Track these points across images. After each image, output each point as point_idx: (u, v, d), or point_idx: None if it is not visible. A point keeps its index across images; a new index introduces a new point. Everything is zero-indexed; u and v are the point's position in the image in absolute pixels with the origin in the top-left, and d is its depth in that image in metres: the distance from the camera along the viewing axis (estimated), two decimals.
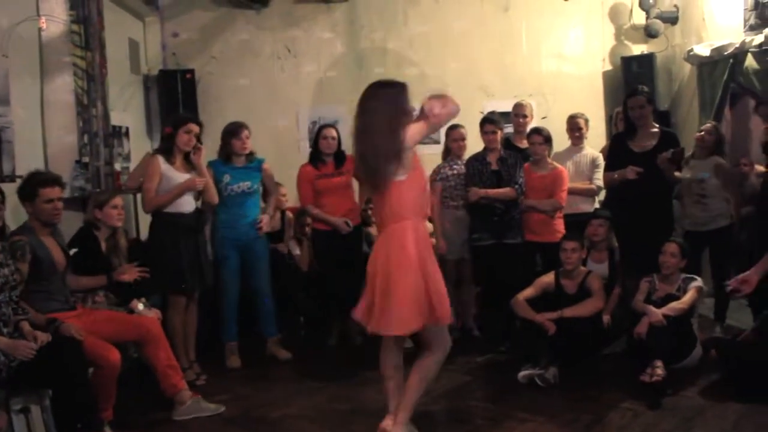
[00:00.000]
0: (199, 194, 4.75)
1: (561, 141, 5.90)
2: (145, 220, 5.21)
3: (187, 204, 4.65)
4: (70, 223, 4.47)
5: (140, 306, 4.22)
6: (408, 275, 3.26)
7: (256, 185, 5.06)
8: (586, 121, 5.77)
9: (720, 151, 5.20)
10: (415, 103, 3.41)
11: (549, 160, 5.45)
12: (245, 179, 4.99)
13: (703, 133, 5.22)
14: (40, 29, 4.75)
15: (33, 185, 3.77)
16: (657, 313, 4.38)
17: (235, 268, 5.03)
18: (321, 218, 5.34)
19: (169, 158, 4.63)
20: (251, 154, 5.07)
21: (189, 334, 4.79)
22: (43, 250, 3.75)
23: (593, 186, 5.58)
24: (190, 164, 4.72)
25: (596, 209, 5.47)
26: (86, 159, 4.98)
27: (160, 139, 4.96)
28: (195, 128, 4.68)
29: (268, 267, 5.22)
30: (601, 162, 5.48)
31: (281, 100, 7.14)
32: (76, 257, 4.15)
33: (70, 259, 4.03)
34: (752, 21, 5.77)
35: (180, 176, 4.62)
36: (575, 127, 5.71)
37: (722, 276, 5.14)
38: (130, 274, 4.22)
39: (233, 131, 4.97)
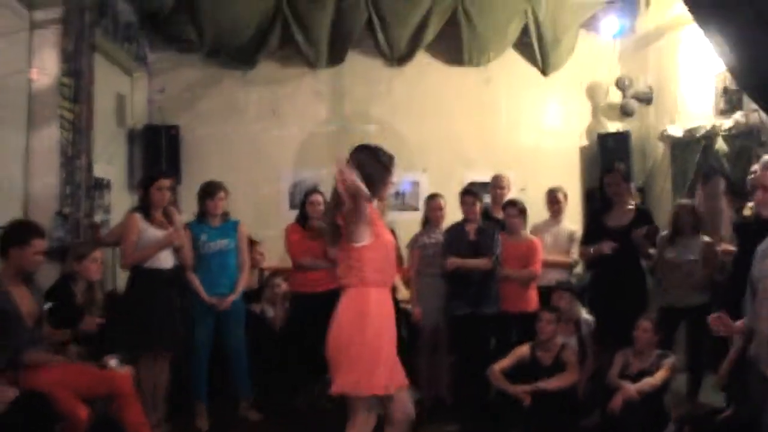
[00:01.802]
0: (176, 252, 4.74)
1: (538, 213, 6.01)
2: (122, 274, 5.16)
3: (167, 260, 4.65)
4: (48, 274, 4.42)
5: (113, 362, 4.15)
6: (367, 342, 3.27)
7: (233, 244, 5.06)
8: (565, 195, 5.89)
9: (699, 230, 5.29)
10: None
11: (523, 232, 5.55)
12: (222, 237, 5.00)
13: (681, 215, 5.26)
14: (30, 80, 4.80)
15: (26, 234, 3.76)
16: (630, 390, 4.40)
17: (209, 329, 4.98)
18: (315, 265, 5.30)
19: (148, 216, 4.65)
20: (226, 214, 5.08)
21: (158, 391, 4.72)
22: (9, 303, 3.67)
23: (570, 259, 5.68)
24: (169, 219, 4.73)
25: (558, 281, 5.51)
26: (67, 210, 4.96)
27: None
28: (165, 183, 4.71)
29: (244, 328, 5.18)
30: (579, 236, 5.58)
31: (264, 160, 7.21)
32: (51, 311, 4.09)
33: (45, 313, 3.97)
34: (722, 106, 6.01)
35: (158, 233, 4.63)
36: (554, 201, 5.83)
37: (697, 352, 5.21)
38: (89, 324, 4.14)
39: (209, 192, 5.00)
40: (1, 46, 4.52)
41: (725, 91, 5.96)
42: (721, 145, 5.92)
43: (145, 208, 4.67)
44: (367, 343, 3.26)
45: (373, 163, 3.34)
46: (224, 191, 5.04)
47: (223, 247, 5.00)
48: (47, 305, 4.06)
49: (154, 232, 4.61)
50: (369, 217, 3.29)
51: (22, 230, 3.79)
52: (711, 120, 6.05)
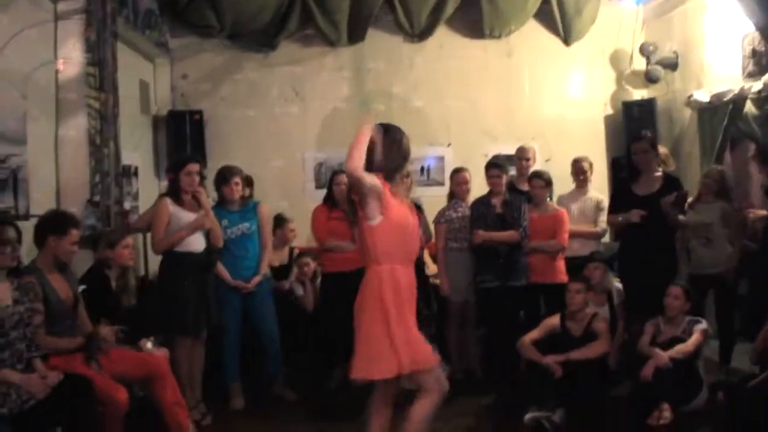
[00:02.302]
0: (207, 235, 4.79)
1: (563, 184, 5.99)
2: (153, 259, 5.25)
3: (198, 243, 4.70)
4: (81, 261, 4.51)
5: (149, 344, 4.24)
6: (375, 322, 3.25)
7: (255, 226, 5.11)
8: (591, 164, 5.86)
9: (726, 197, 5.26)
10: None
11: (549, 202, 5.53)
12: (243, 221, 5.05)
13: (708, 179, 5.30)
14: (57, 71, 4.87)
15: (66, 223, 3.84)
16: (663, 356, 4.40)
17: (236, 311, 5.04)
18: (339, 247, 5.32)
19: (177, 200, 4.70)
20: (244, 197, 5.12)
21: (195, 373, 4.79)
22: (51, 292, 3.78)
23: (598, 229, 5.66)
24: (198, 203, 4.78)
25: (593, 252, 5.51)
26: (97, 198, 5.04)
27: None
28: (194, 167, 4.73)
29: (273, 307, 5.24)
30: (606, 205, 5.56)
31: (288, 141, 7.23)
32: (85, 295, 4.17)
33: (80, 296, 4.06)
34: (750, 68, 5.90)
35: (189, 216, 4.67)
36: (580, 171, 5.80)
37: (728, 319, 5.18)
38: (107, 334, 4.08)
39: (224, 177, 5.02)
40: (28, 39, 4.59)
41: (753, 53, 5.85)
42: (750, 108, 5.83)
43: (174, 192, 4.72)
44: (379, 324, 3.24)
45: (390, 143, 3.35)
46: (239, 175, 5.06)
47: (245, 230, 5.05)
48: (81, 288, 4.15)
49: (184, 216, 4.66)
50: (381, 194, 3.26)
51: (61, 220, 3.87)
52: (739, 83, 5.95)
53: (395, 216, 3.33)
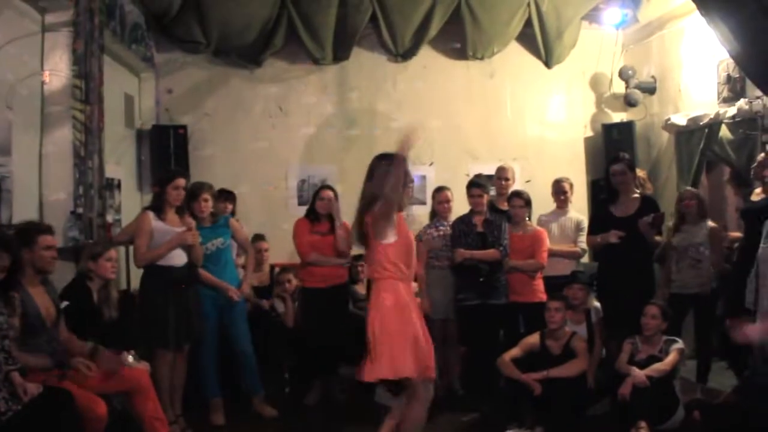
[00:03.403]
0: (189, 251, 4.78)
1: (544, 204, 6.07)
2: (135, 273, 5.23)
3: (180, 257, 4.69)
4: (62, 273, 4.48)
5: (130, 358, 4.21)
6: (395, 326, 3.61)
7: (228, 241, 5.11)
8: (571, 185, 5.94)
9: (705, 216, 5.37)
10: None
11: (528, 222, 5.60)
12: (216, 236, 5.04)
13: (685, 200, 5.38)
14: (43, 83, 4.87)
15: (32, 232, 3.80)
16: (640, 374, 4.46)
17: (213, 326, 5.02)
18: (322, 261, 5.33)
19: (161, 214, 4.68)
20: (214, 214, 5.11)
21: (176, 387, 4.76)
22: (31, 305, 3.73)
23: (578, 249, 5.73)
24: (182, 218, 4.78)
25: (574, 272, 5.58)
26: (80, 210, 5.03)
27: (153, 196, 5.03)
28: (182, 182, 4.74)
29: (247, 325, 5.23)
30: (585, 225, 5.64)
31: (271, 157, 7.26)
32: (67, 309, 4.15)
33: (61, 312, 4.03)
34: (725, 94, 6.05)
35: (172, 230, 4.66)
36: (560, 191, 5.88)
37: (706, 339, 5.26)
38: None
39: (192, 194, 4.97)
40: (14, 50, 4.60)
41: (728, 78, 6.00)
42: (725, 132, 5.97)
43: (158, 206, 4.72)
44: (397, 331, 3.60)
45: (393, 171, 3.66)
46: (209, 192, 5.05)
47: (219, 245, 5.04)
48: (63, 304, 4.12)
49: (167, 230, 4.65)
50: (395, 223, 3.69)
51: (27, 230, 3.83)
52: (714, 108, 6.10)
53: (406, 237, 3.79)
